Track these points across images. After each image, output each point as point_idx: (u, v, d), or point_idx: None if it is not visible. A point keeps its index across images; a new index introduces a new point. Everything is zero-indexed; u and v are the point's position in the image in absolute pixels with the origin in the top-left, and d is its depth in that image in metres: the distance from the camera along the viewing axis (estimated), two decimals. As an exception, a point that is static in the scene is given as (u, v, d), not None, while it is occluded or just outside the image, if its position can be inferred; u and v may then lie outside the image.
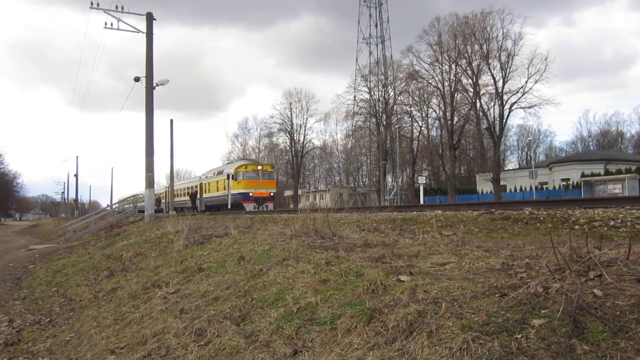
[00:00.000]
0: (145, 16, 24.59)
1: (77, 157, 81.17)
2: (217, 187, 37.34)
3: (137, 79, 24.76)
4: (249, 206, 32.15)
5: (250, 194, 32.65)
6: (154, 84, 24.50)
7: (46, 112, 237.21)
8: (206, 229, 12.51)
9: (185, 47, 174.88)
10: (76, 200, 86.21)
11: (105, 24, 24.35)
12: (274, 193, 35.39)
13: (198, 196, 40.79)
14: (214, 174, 40.08)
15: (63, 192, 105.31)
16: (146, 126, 24.41)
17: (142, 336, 5.17)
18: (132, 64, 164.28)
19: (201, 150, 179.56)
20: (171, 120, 40.55)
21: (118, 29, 24.48)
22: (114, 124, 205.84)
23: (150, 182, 24.56)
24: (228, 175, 34.61)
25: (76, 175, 79.67)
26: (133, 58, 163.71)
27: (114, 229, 27.55)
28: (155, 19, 24.65)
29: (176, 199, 44.83)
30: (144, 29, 24.49)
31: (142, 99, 24.52)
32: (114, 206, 47.41)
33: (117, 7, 24.22)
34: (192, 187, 44.51)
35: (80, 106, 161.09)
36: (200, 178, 43.98)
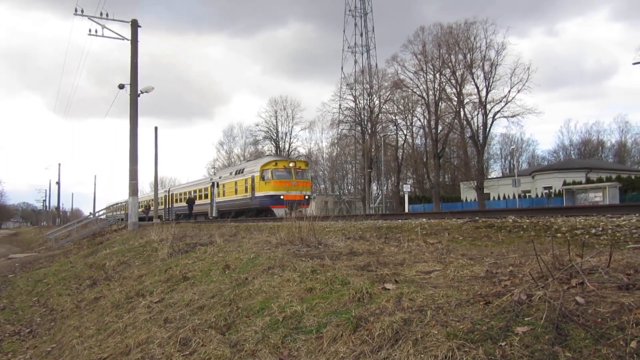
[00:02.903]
0: (130, 23, 24.48)
1: (59, 164, 79.96)
2: (236, 189, 31.13)
3: (121, 86, 24.58)
4: (280, 212, 25.23)
5: (282, 197, 26.35)
6: (139, 92, 24.36)
7: (28, 118, 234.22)
8: (191, 237, 12.42)
9: (171, 54, 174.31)
10: (58, 208, 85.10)
11: (90, 30, 24.22)
12: (309, 196, 29.11)
13: (209, 201, 35.28)
14: (230, 173, 33.81)
15: (44, 200, 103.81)
16: (130, 133, 24.22)
17: (126, 346, 5.11)
18: (117, 70, 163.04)
19: (186, 158, 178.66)
20: (156, 128, 40.36)
21: (102, 35, 24.36)
22: (98, 131, 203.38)
23: (134, 190, 24.34)
24: (252, 175, 28.82)
25: (58, 183, 78.67)
26: (117, 65, 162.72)
27: (97, 237, 27.22)
28: (140, 26, 24.56)
29: (176, 205, 42.40)
30: (129, 36, 24.37)
31: (126, 105, 24.37)
32: (97, 214, 46.91)
33: (101, 14, 24.12)
34: (190, 192, 39.86)
35: (64, 113, 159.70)
36: (211, 179, 37.30)
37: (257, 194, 27.80)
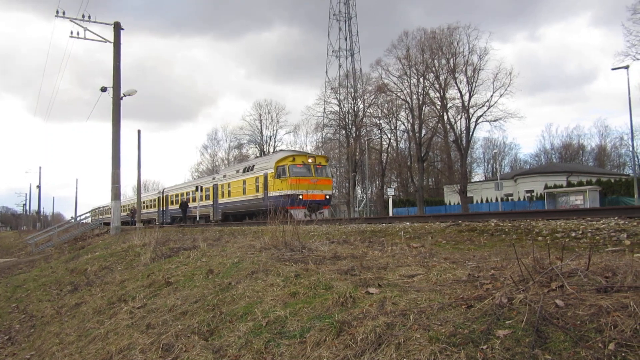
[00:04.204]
0: (112, 26, 24.28)
1: (40, 167, 78.69)
2: (245, 189, 27.93)
3: (104, 89, 24.35)
4: (298, 213, 22.09)
5: (300, 197, 23.40)
6: (122, 94, 24.18)
7: (8, 121, 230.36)
8: (174, 241, 12.32)
9: (155, 57, 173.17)
10: (38, 212, 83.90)
11: (72, 32, 23.98)
12: (330, 195, 25.82)
13: (211, 202, 32.27)
14: (237, 171, 30.31)
15: (25, 204, 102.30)
16: (113, 137, 23.99)
17: (107, 353, 5.05)
18: (99, 73, 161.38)
19: (170, 162, 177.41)
20: (139, 131, 39.97)
21: (85, 38, 24.14)
22: (80, 135, 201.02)
23: (116, 194, 24.10)
24: (264, 172, 25.81)
25: (39, 187, 77.57)
26: (100, 67, 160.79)
27: (79, 241, 26.87)
28: (123, 29, 24.39)
29: (171, 208, 40.09)
30: (112, 39, 24.18)
31: (109, 108, 24.14)
32: (78, 218, 46.09)
33: (83, 16, 23.92)
34: (187, 193, 36.91)
35: (45, 116, 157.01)
36: (214, 179, 33.83)
37: (271, 193, 24.68)
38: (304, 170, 24.56)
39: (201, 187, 34.27)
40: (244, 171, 28.84)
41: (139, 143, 39.56)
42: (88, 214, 48.06)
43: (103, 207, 49.50)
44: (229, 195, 29.92)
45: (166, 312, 5.53)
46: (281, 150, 30.34)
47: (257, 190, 26.30)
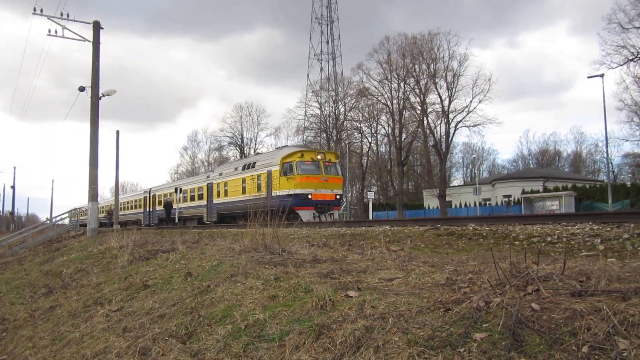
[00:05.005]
0: (92, 25, 23.96)
1: (14, 167, 77.23)
2: (244, 188, 25.74)
3: (82, 89, 23.96)
4: (306, 214, 21.22)
5: (310, 196, 21.65)
6: (100, 94, 23.85)
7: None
8: (152, 244, 12.18)
9: (134, 57, 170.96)
10: (12, 213, 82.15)
11: (49, 31, 23.60)
12: (340, 195, 24.07)
13: (205, 203, 30.14)
14: (235, 169, 28.05)
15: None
16: (90, 137, 23.65)
17: (82, 357, 4.97)
18: (77, 72, 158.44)
19: (148, 163, 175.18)
20: (117, 132, 39.51)
21: (63, 36, 23.78)
22: (57, 135, 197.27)
23: (93, 195, 23.77)
24: (268, 169, 23.70)
25: (13, 187, 76.05)
26: (78, 66, 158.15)
27: (54, 243, 26.40)
28: (102, 28, 24.10)
29: (159, 208, 37.65)
30: (91, 38, 23.85)
31: (87, 108, 23.81)
32: (54, 219, 45.21)
33: (62, 14, 23.55)
34: (168, 195, 34.98)
35: (20, 115, 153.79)
36: (208, 177, 31.45)
37: (277, 192, 22.55)
38: (313, 168, 22.53)
39: (193, 187, 32.58)
40: (243, 169, 26.57)
41: (118, 144, 39.12)
42: (65, 215, 47.12)
43: (80, 208, 48.48)
44: (225, 195, 27.78)
45: (143, 315, 5.46)
46: (286, 145, 28.20)
47: (259, 190, 24.15)
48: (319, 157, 22.95)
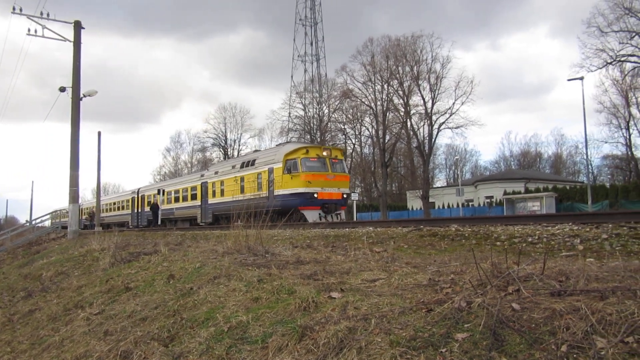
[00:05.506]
0: (73, 24, 23.65)
1: (-7, 169, 75.92)
2: (242, 187, 24.32)
3: (62, 89, 23.63)
4: (312, 215, 20.17)
5: (316, 195, 20.45)
6: (81, 95, 23.55)
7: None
8: (134, 246, 12.06)
9: (117, 57, 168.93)
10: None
11: (29, 30, 23.26)
12: (347, 194, 23.15)
13: (199, 203, 28.77)
14: (232, 167, 26.51)
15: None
16: (71, 138, 23.35)
17: (62, 361, 4.90)
18: (58, 72, 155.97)
19: (131, 165, 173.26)
20: (99, 133, 38.85)
21: (43, 36, 23.43)
22: (37, 136, 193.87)
23: (74, 196, 23.44)
24: (269, 167, 22.37)
25: (-9, 189, 74.64)
26: (59, 66, 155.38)
27: (34, 246, 25.95)
28: (84, 28, 23.80)
29: (147, 210, 35.69)
30: (72, 37, 23.54)
31: (68, 109, 23.48)
32: (34, 221, 44.43)
33: (42, 13, 23.23)
34: (170, 192, 33.20)
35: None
36: (202, 176, 29.84)
37: (279, 191, 21.27)
38: (318, 165, 21.29)
39: (186, 187, 31.27)
40: (242, 167, 25.03)
41: (99, 145, 38.52)
42: (46, 217, 46.33)
43: (62, 210, 47.63)
44: (222, 194, 26.28)
45: (125, 318, 5.41)
46: (288, 141, 26.79)
47: (260, 188, 22.72)
48: (325, 153, 21.77)
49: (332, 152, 22.20)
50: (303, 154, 21.10)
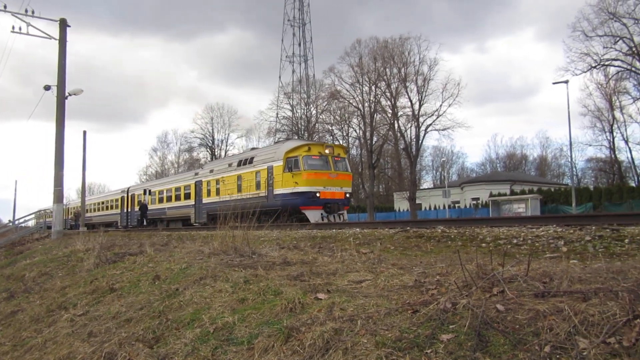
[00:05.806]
0: (58, 22, 23.39)
1: (-25, 168, 74.78)
2: (239, 186, 23.44)
3: (47, 88, 23.33)
4: (314, 215, 19.50)
5: (318, 195, 19.72)
6: (67, 94, 23.29)
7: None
8: (120, 246, 11.95)
9: (103, 55, 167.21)
10: (-27, 215, 79.40)
11: (13, 27, 22.95)
12: (350, 194, 22.11)
13: (192, 202, 27.87)
14: (229, 165, 25.50)
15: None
16: (56, 137, 23.07)
17: (45, 362, 4.84)
18: (42, 70, 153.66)
19: (117, 165, 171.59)
20: (84, 132, 38.45)
21: (27, 34, 23.11)
22: (21, 134, 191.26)
23: (59, 196, 23.17)
24: (268, 165, 21.54)
25: (-26, 188, 73.51)
26: (43, 64, 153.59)
27: (17, 246, 25.58)
28: (69, 26, 23.53)
29: (137, 209, 34.68)
30: (57, 35, 23.27)
31: (52, 108, 23.20)
32: (17, 221, 43.82)
33: (26, 10, 22.88)
34: (162, 192, 32.26)
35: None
36: (196, 174, 28.94)
37: (279, 190, 20.53)
38: (321, 163, 20.56)
39: (178, 186, 30.41)
40: (239, 165, 24.10)
41: (85, 144, 38.13)
42: (31, 217, 45.73)
43: (47, 210, 46.98)
44: (217, 193, 25.31)
45: (110, 319, 5.36)
46: (288, 139, 26.56)
47: (259, 187, 21.91)
48: (327, 151, 21.05)
49: (334, 149, 21.55)
50: (305, 152, 20.32)
